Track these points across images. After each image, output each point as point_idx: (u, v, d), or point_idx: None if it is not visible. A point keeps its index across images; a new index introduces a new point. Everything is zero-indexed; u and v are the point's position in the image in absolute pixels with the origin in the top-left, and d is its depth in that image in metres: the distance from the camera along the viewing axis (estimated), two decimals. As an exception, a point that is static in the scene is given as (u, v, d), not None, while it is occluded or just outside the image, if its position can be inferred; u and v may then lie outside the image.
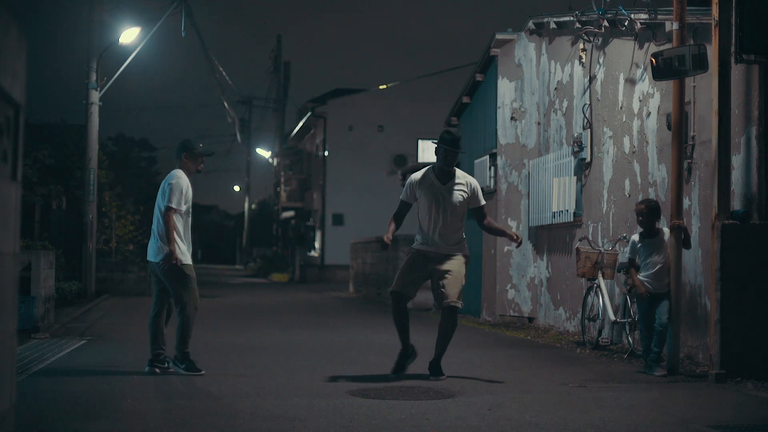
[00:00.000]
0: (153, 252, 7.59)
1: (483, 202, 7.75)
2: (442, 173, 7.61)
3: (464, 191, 7.61)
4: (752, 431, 5.61)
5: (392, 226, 7.68)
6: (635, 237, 8.21)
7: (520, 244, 7.68)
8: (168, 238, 7.43)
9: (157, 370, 7.57)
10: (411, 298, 7.61)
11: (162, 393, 6.62)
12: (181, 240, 7.54)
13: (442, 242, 7.56)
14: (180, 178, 7.59)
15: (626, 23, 10.20)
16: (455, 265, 7.51)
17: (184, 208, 7.56)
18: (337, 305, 19.52)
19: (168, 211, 7.46)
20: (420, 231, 7.67)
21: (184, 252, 7.54)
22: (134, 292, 20.62)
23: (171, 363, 7.58)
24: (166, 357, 7.67)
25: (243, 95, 52.16)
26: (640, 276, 8.10)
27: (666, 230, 8.06)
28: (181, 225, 7.55)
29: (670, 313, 7.91)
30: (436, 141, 7.64)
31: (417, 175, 7.72)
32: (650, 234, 8.08)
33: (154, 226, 7.65)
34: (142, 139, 47.41)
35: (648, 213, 8.06)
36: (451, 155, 7.54)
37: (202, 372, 7.51)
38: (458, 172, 7.72)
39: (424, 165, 7.93)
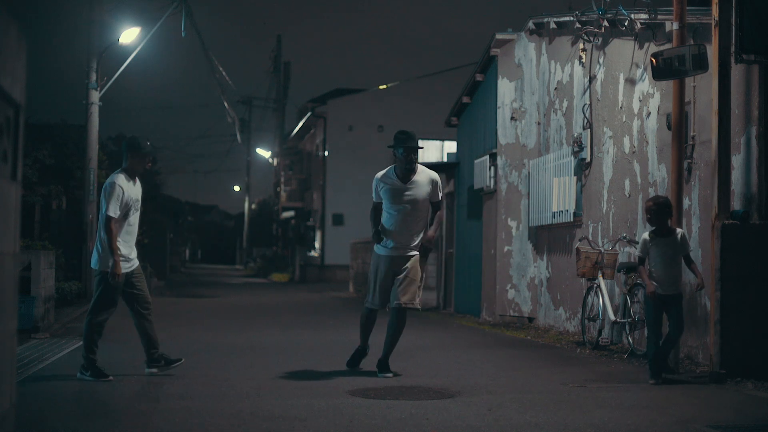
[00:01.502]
0: (94, 259, 7.42)
1: (440, 196, 7.89)
2: (404, 172, 7.72)
3: (426, 188, 7.74)
4: (752, 431, 5.62)
5: (374, 226, 7.90)
6: (646, 235, 7.81)
7: (428, 246, 7.78)
8: (111, 249, 7.25)
9: (155, 370, 7.54)
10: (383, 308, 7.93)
11: (162, 393, 6.61)
12: (123, 246, 7.36)
13: (404, 243, 7.74)
14: (116, 185, 7.31)
15: (626, 23, 10.20)
16: (411, 268, 7.72)
17: (121, 213, 7.31)
18: (337, 305, 19.52)
19: (107, 221, 7.28)
20: (382, 225, 7.81)
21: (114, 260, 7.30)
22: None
23: (78, 371, 7.30)
24: (162, 354, 7.63)
25: (243, 95, 52.29)
26: (652, 276, 7.73)
27: (680, 230, 7.68)
28: (123, 227, 7.38)
29: (683, 320, 7.56)
30: (391, 145, 7.78)
31: (380, 174, 7.89)
32: (662, 233, 7.60)
33: (98, 232, 7.44)
34: (142, 139, 47.36)
35: (656, 210, 7.64)
36: (410, 153, 7.65)
37: (110, 378, 7.20)
38: (419, 168, 7.83)
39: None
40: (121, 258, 7.36)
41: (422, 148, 7.93)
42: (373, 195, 7.91)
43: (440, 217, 8.00)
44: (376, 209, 7.90)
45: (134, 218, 7.53)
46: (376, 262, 7.84)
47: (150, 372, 7.55)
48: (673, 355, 7.94)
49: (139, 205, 7.62)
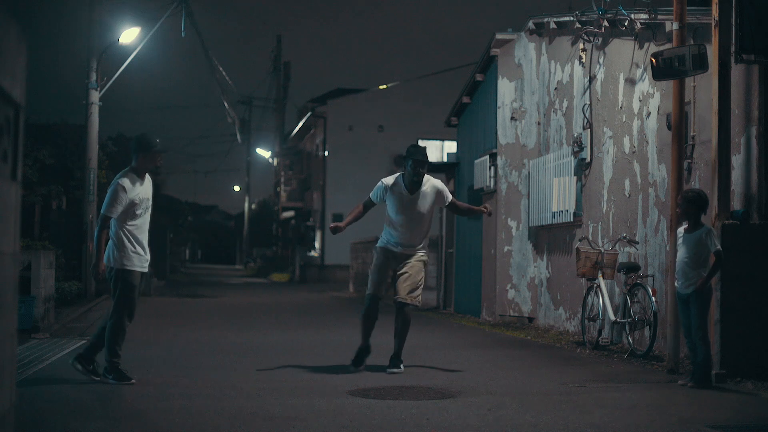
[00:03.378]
0: (106, 256, 7.36)
1: (450, 198, 8.24)
2: (412, 184, 8.02)
3: (432, 198, 8.09)
4: (752, 431, 5.62)
5: (350, 218, 8.21)
6: (680, 230, 7.47)
7: (490, 213, 8.27)
8: (97, 245, 7.24)
9: (80, 367, 7.20)
10: (381, 299, 8.10)
11: (162, 393, 6.61)
12: (133, 244, 7.31)
13: (407, 245, 8.06)
14: (119, 185, 7.25)
15: (626, 23, 10.20)
16: (414, 266, 8.03)
17: (125, 212, 7.25)
18: (337, 305, 19.52)
19: (101, 219, 7.26)
20: (388, 232, 8.14)
21: (129, 257, 7.28)
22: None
23: (102, 373, 7.19)
24: (98, 364, 7.36)
25: (243, 95, 52.31)
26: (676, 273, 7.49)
27: (707, 227, 7.23)
28: (133, 229, 7.32)
29: (701, 319, 7.14)
30: (403, 156, 8.14)
31: (389, 180, 8.15)
32: (689, 228, 7.26)
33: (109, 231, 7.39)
34: (142, 139, 47.34)
35: (682, 204, 7.29)
36: (420, 166, 7.94)
37: (133, 381, 7.12)
38: (426, 179, 8.13)
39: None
40: (133, 254, 7.29)
41: (430, 162, 8.25)
42: (373, 195, 8.20)
43: (462, 203, 8.66)
44: (365, 207, 8.22)
45: (145, 217, 7.44)
46: (377, 255, 8.14)
47: (74, 366, 7.24)
48: (673, 355, 7.94)
49: (150, 204, 7.51)
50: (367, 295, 8.12)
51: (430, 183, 8.14)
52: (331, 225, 8.00)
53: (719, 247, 7.14)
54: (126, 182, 7.31)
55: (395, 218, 8.06)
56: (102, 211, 7.27)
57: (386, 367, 7.89)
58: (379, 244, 8.23)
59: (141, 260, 7.39)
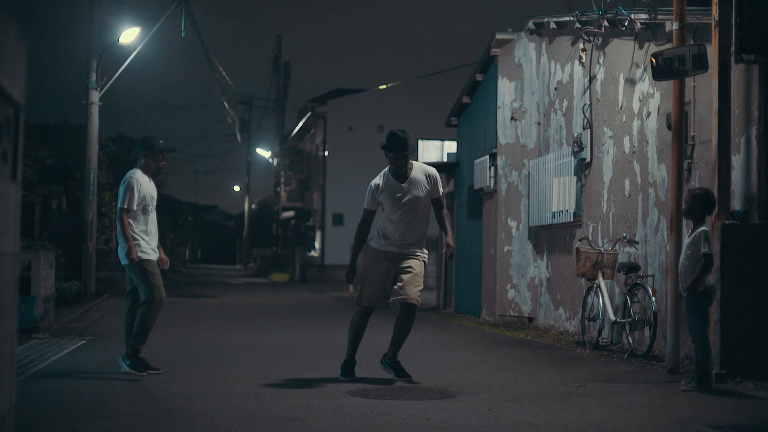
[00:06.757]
0: (120, 255, 7.75)
1: (441, 192, 7.55)
2: (398, 175, 7.42)
3: (425, 184, 7.42)
4: (752, 431, 5.62)
5: (357, 246, 7.61)
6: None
7: (450, 255, 7.44)
8: (125, 237, 7.52)
9: (154, 365, 7.56)
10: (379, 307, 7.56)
11: (162, 393, 6.61)
12: (145, 238, 7.63)
13: (405, 243, 7.43)
14: (133, 179, 7.63)
15: (626, 23, 10.20)
16: (415, 265, 7.41)
17: (137, 207, 7.59)
18: (337, 305, 19.51)
19: (120, 212, 7.57)
20: (383, 231, 7.48)
21: (145, 249, 7.60)
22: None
23: (122, 358, 7.53)
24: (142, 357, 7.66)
25: (243, 95, 52.26)
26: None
27: (702, 228, 7.03)
28: (143, 223, 7.64)
29: (696, 321, 6.98)
30: (382, 146, 7.41)
31: (376, 180, 7.50)
32: (692, 228, 7.11)
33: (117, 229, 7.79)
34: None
35: (690, 201, 7.12)
36: (401, 159, 7.33)
37: (144, 374, 7.34)
38: (415, 165, 7.52)
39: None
40: (148, 247, 7.62)
41: (411, 151, 7.41)
42: (367, 203, 7.53)
43: (449, 217, 7.71)
44: (368, 219, 7.58)
45: (153, 216, 7.78)
46: (372, 258, 7.51)
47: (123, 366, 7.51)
48: (673, 355, 7.94)
49: (155, 203, 7.84)
50: (362, 308, 7.51)
51: (422, 169, 7.47)
52: (348, 276, 7.64)
53: (707, 249, 6.94)
54: (139, 176, 7.70)
55: (392, 215, 7.40)
56: (119, 206, 7.58)
57: (341, 374, 7.42)
58: (373, 244, 7.56)
59: (155, 253, 7.74)
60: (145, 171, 7.77)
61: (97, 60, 18.82)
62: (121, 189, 7.61)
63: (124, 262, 7.61)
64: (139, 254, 7.52)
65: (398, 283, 7.36)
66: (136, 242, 7.53)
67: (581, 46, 11.74)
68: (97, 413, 5.86)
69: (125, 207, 7.53)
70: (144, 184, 7.65)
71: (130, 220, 7.55)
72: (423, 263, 7.51)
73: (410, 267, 7.38)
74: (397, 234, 7.43)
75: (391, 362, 7.46)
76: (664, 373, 7.94)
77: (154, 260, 7.66)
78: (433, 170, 7.56)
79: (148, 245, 7.64)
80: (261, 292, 25.54)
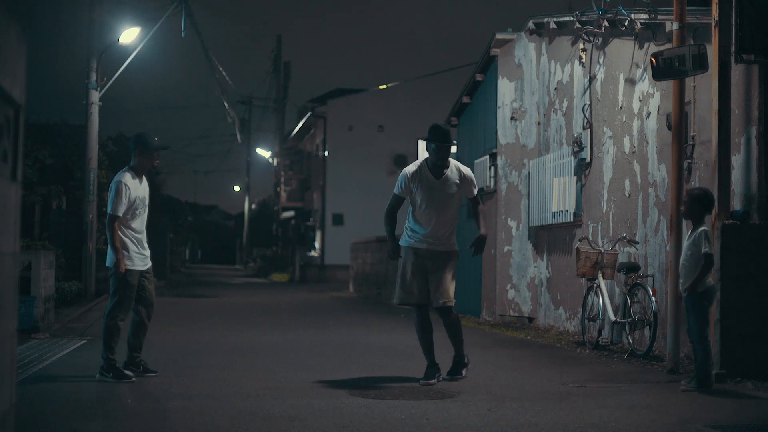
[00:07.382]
0: (108, 257, 7.46)
1: (475, 192, 7.64)
2: (436, 168, 7.43)
3: (457, 183, 7.46)
4: (752, 431, 5.62)
5: (391, 228, 7.55)
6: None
7: (479, 248, 7.53)
8: (113, 247, 7.25)
9: (130, 374, 7.30)
10: (429, 304, 7.46)
11: (162, 393, 6.61)
12: (134, 242, 7.39)
13: (436, 238, 7.41)
14: (122, 183, 7.30)
15: (626, 23, 10.20)
16: (448, 264, 7.41)
17: (127, 211, 7.32)
18: (337, 305, 19.52)
19: (109, 219, 7.28)
20: (412, 226, 7.48)
21: (132, 258, 7.35)
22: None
23: (100, 372, 7.24)
24: (141, 361, 7.55)
25: (243, 95, 52.24)
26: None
27: (702, 228, 7.03)
28: (134, 225, 7.38)
29: (696, 321, 6.99)
30: (425, 138, 7.47)
31: (411, 168, 7.50)
32: (692, 228, 7.10)
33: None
34: (142, 139, 47.36)
35: (689, 201, 7.12)
36: (443, 150, 7.34)
37: (133, 378, 7.20)
38: (452, 164, 7.54)
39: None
40: (136, 254, 7.40)
41: (454, 143, 7.47)
42: (398, 188, 7.49)
43: (483, 212, 7.76)
44: (396, 205, 7.54)
45: (143, 217, 7.52)
46: (407, 257, 7.42)
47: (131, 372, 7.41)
48: (673, 355, 7.94)
49: (147, 204, 7.58)
50: (415, 309, 7.46)
51: (460, 169, 7.50)
52: (390, 253, 7.49)
53: (708, 249, 6.94)
54: (128, 179, 7.38)
55: (423, 209, 7.37)
56: (109, 212, 7.31)
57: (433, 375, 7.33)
58: (404, 242, 7.48)
59: (143, 259, 7.52)
60: (138, 170, 7.47)
61: (97, 60, 18.82)
62: (110, 194, 7.33)
63: (109, 264, 7.37)
64: (126, 263, 7.29)
65: (436, 289, 7.35)
66: (125, 251, 7.29)
67: (581, 46, 11.74)
68: (97, 413, 5.86)
69: (113, 213, 7.24)
70: (133, 188, 7.35)
71: (121, 226, 7.32)
72: (455, 260, 7.51)
73: (444, 269, 7.37)
74: (426, 228, 7.41)
75: (453, 360, 7.56)
76: (664, 373, 7.94)
77: (139, 271, 7.42)
78: (468, 171, 7.61)
79: (139, 253, 7.41)
80: (261, 292, 25.54)
